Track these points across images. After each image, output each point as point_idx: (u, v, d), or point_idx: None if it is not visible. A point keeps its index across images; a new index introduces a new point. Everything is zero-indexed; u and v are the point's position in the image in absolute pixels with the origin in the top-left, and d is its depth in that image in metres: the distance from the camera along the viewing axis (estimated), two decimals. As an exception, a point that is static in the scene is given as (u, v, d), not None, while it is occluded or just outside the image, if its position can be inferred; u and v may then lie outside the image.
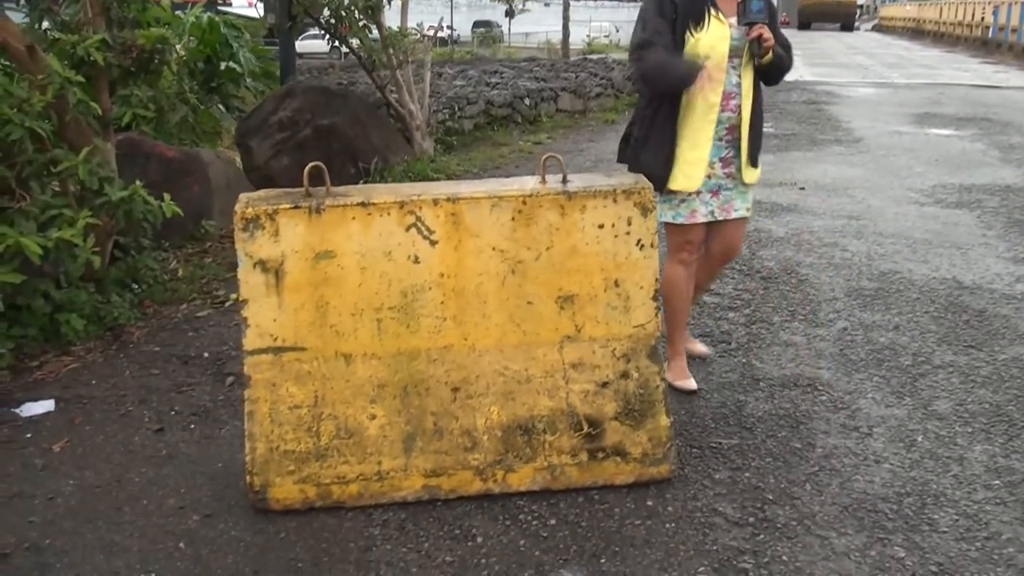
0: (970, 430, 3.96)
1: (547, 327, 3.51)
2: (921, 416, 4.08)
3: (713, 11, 3.85)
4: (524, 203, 3.43)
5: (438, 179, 8.72)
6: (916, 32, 44.75)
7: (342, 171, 7.94)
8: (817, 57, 29.44)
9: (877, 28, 58.33)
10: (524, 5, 46.23)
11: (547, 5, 50.80)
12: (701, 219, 4.05)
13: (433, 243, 3.41)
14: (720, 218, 4.07)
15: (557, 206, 3.44)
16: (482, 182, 3.78)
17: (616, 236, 3.49)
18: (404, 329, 3.44)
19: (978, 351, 4.80)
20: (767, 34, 3.80)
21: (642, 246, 3.50)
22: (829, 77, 21.27)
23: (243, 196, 3.45)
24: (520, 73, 14.82)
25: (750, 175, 4.05)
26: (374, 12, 8.74)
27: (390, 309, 3.42)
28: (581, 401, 3.50)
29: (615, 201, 3.47)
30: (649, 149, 3.98)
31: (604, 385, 3.51)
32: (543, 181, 3.52)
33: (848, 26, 54.20)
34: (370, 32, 9.06)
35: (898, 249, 6.62)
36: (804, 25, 55.05)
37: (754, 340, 4.91)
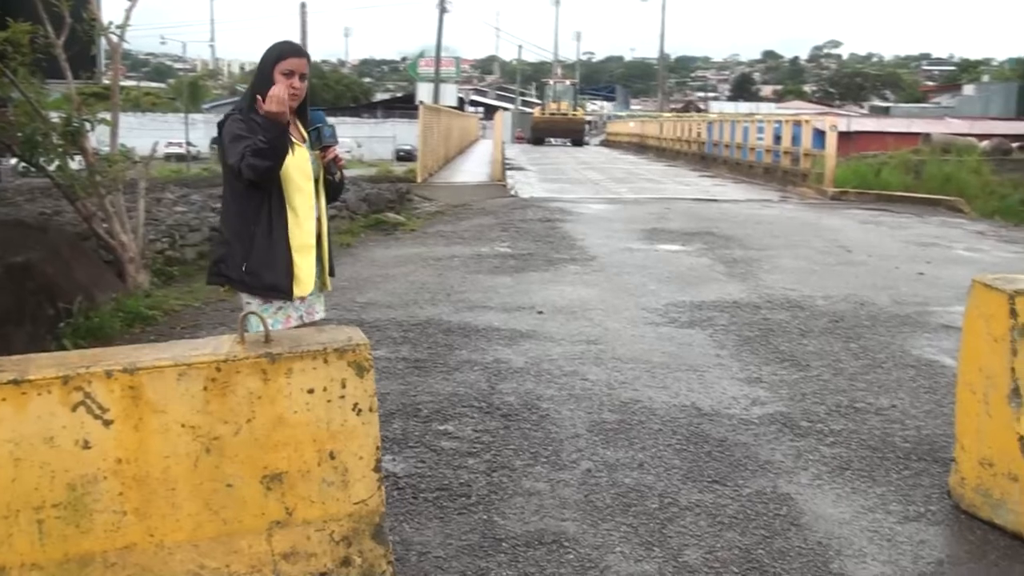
0: (722, 583, 3.72)
1: (251, 512, 3.02)
2: (672, 570, 3.81)
3: (291, 136, 3.97)
4: (218, 370, 2.95)
5: (153, 315, 7.99)
6: (640, 147, 47.32)
7: (38, 314, 7.06)
8: (551, 173, 30.40)
9: (605, 143, 61.46)
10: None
11: (287, 122, 50.47)
12: (294, 323, 4.17)
13: (107, 423, 2.86)
14: (307, 321, 4.24)
15: (258, 371, 2.99)
16: (168, 345, 3.26)
17: (329, 401, 3.08)
18: (73, 530, 2.85)
19: (723, 486, 4.64)
20: (341, 154, 4.31)
21: (359, 411, 3.10)
22: (562, 194, 21.81)
23: None
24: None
25: (329, 282, 4.41)
26: (75, 137, 8.02)
27: (54, 507, 2.83)
28: (295, 599, 3.00)
29: (326, 362, 3.06)
30: (267, 264, 3.98)
31: (322, 577, 3.03)
32: (241, 341, 3.05)
33: (578, 141, 56.62)
34: (72, 159, 8.32)
35: (637, 375, 6.51)
36: (538, 140, 57.22)
37: (495, 491, 4.54)
